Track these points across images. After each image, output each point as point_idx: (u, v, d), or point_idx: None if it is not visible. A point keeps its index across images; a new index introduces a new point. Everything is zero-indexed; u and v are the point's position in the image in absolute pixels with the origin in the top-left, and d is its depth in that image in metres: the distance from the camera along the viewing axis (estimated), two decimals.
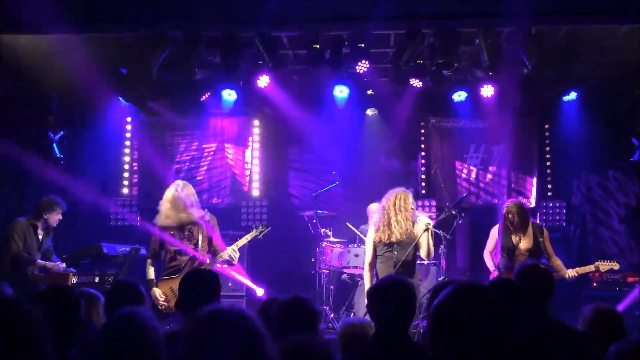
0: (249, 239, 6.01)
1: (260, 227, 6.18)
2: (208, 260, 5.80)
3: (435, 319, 2.21)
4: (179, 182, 6.05)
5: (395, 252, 5.60)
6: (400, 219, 5.60)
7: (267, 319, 3.24)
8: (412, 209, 5.69)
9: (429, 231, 5.62)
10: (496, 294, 3.00)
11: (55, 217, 6.80)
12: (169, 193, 5.92)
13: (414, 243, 5.59)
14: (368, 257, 5.81)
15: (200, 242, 5.84)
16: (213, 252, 5.94)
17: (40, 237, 6.75)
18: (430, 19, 6.27)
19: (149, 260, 5.93)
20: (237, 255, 5.88)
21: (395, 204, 5.64)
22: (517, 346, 2.59)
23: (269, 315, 3.28)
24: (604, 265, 6.26)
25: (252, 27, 6.78)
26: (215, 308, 2.05)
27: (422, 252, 5.69)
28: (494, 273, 6.28)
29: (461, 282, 2.36)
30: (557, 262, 6.15)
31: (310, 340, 2.45)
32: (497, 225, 6.40)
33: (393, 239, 5.59)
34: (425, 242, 5.62)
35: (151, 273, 5.83)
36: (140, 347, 2.17)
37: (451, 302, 2.17)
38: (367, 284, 5.75)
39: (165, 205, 5.88)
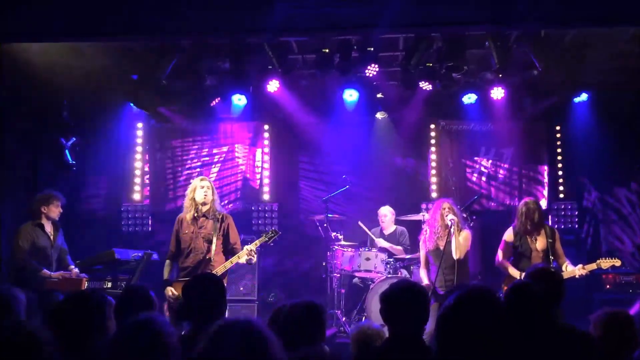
0: (258, 244, 5.90)
1: (270, 233, 6.04)
2: (227, 264, 5.76)
3: (441, 324, 2.22)
4: (202, 177, 6.11)
5: None
6: None
7: (278, 325, 3.25)
8: None
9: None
10: (513, 299, 3.01)
11: (54, 210, 6.70)
12: (191, 187, 5.97)
13: None
14: None
15: (215, 242, 5.80)
16: (230, 251, 5.91)
17: (51, 235, 6.74)
18: (438, 25, 6.24)
19: (167, 261, 5.94)
20: (255, 255, 5.81)
21: None
22: (526, 351, 2.59)
23: (279, 322, 3.27)
24: (606, 263, 6.18)
25: (259, 36, 6.78)
26: (223, 322, 2.05)
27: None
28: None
29: (467, 287, 2.37)
30: (566, 264, 6.11)
31: (321, 355, 2.46)
32: (511, 227, 6.35)
33: None
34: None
35: (166, 273, 5.83)
36: (155, 353, 2.18)
37: (456, 307, 2.19)
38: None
39: (187, 199, 5.95)
